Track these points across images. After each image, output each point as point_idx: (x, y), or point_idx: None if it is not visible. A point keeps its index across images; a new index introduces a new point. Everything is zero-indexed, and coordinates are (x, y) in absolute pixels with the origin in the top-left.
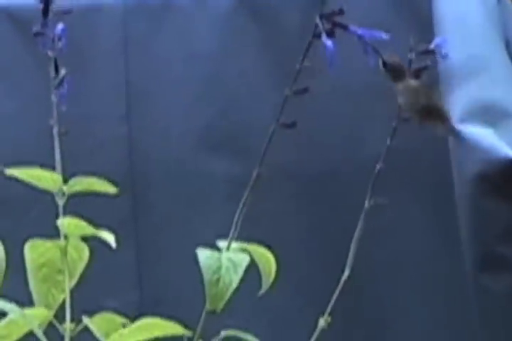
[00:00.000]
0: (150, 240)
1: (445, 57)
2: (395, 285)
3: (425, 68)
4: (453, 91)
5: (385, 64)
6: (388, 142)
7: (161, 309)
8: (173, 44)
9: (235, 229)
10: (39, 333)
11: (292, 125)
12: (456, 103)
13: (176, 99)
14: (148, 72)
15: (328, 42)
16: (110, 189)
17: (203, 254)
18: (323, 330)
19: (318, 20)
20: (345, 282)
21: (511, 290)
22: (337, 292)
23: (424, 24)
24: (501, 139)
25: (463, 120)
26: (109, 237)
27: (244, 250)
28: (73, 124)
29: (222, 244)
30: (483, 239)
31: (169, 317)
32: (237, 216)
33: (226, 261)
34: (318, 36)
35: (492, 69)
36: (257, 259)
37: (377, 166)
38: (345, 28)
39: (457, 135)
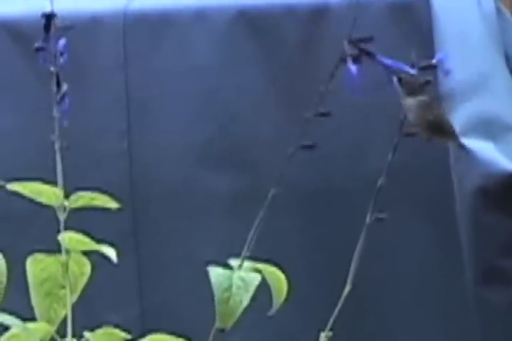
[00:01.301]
0: (151, 255)
1: (447, 72)
2: (397, 299)
3: (427, 83)
4: (454, 106)
5: (399, 79)
6: (390, 157)
7: (162, 324)
8: (172, 58)
9: (248, 248)
10: None
11: (312, 147)
12: (457, 117)
13: (176, 113)
14: (148, 86)
15: (353, 68)
16: (112, 204)
17: (215, 272)
18: None
19: (346, 45)
20: (347, 297)
21: (511, 303)
22: (338, 307)
23: (424, 40)
24: (502, 153)
25: (463, 134)
26: (110, 252)
27: (255, 269)
28: (74, 139)
29: (234, 262)
30: (484, 252)
31: (170, 332)
32: (250, 236)
33: (237, 279)
34: (344, 61)
35: (492, 84)
36: (268, 279)
37: (380, 181)
38: (372, 56)
39: (464, 149)
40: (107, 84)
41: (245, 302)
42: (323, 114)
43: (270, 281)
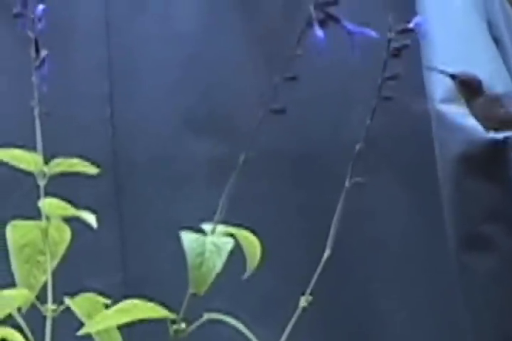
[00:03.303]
0: (133, 222)
1: (425, 36)
2: (378, 265)
3: (405, 47)
4: (436, 72)
5: (461, 82)
6: (368, 122)
7: (145, 291)
8: (155, 24)
9: (221, 213)
10: (16, 315)
11: (281, 111)
12: (439, 83)
13: (159, 79)
14: (130, 52)
15: (320, 33)
16: (91, 170)
17: (187, 237)
18: (304, 310)
19: (311, 10)
20: (327, 262)
21: (493, 269)
22: (318, 272)
23: (405, 4)
24: None
25: (445, 100)
26: (90, 218)
27: (229, 234)
28: (56, 106)
29: (207, 227)
30: (466, 219)
31: (153, 299)
32: (222, 199)
33: (210, 244)
34: (310, 25)
35: (474, 50)
36: (242, 243)
37: (358, 146)
38: (337, 20)
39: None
40: (88, 50)
41: (218, 267)
42: (290, 78)
43: (244, 246)
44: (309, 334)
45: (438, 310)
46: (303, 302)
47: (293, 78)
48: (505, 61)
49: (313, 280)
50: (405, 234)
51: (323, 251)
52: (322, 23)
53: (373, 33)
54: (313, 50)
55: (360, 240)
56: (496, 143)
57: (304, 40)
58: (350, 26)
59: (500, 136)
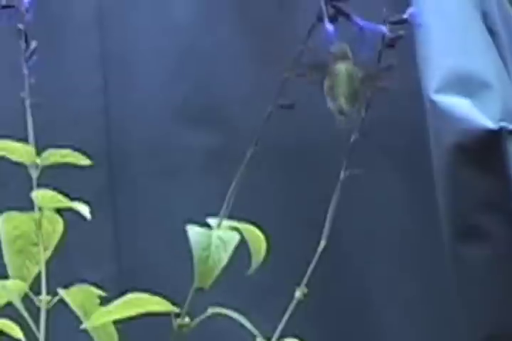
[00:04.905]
0: (127, 213)
1: (419, 27)
2: (373, 255)
3: (399, 38)
4: (430, 62)
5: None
6: (363, 113)
7: (139, 282)
8: (149, 14)
9: (227, 207)
10: (18, 303)
11: (290, 106)
12: (433, 73)
13: (153, 71)
14: (124, 43)
15: (330, 28)
16: (84, 161)
17: (193, 231)
18: (300, 302)
19: (322, 4)
20: (322, 253)
21: (488, 261)
22: (313, 263)
23: None
24: (477, 109)
25: (439, 90)
26: (84, 209)
27: (234, 228)
28: (49, 97)
29: (212, 221)
30: (461, 209)
31: (147, 290)
32: (229, 194)
33: (216, 238)
34: (320, 20)
35: (469, 40)
36: (247, 238)
37: (352, 136)
38: (347, 16)
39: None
40: (82, 40)
41: (224, 261)
42: (300, 75)
43: (249, 240)
44: (304, 326)
45: (432, 302)
46: (298, 294)
47: (303, 74)
48: (499, 52)
49: (309, 272)
50: (401, 225)
51: (319, 242)
52: (333, 18)
53: (384, 29)
54: (323, 47)
55: (355, 231)
56: (490, 132)
57: (313, 35)
58: (361, 22)
59: (495, 126)
